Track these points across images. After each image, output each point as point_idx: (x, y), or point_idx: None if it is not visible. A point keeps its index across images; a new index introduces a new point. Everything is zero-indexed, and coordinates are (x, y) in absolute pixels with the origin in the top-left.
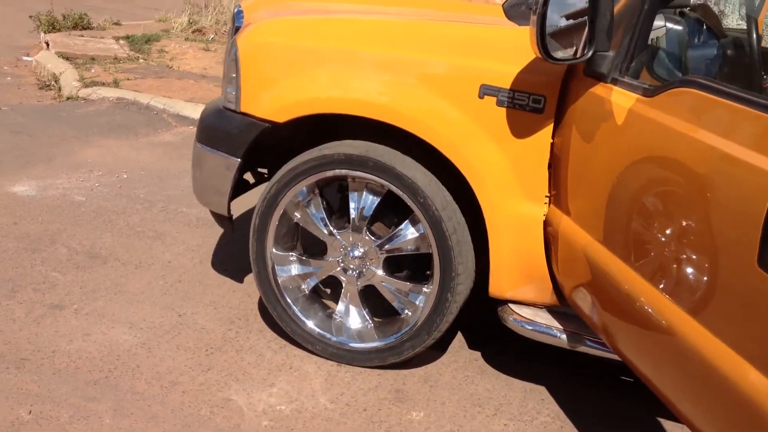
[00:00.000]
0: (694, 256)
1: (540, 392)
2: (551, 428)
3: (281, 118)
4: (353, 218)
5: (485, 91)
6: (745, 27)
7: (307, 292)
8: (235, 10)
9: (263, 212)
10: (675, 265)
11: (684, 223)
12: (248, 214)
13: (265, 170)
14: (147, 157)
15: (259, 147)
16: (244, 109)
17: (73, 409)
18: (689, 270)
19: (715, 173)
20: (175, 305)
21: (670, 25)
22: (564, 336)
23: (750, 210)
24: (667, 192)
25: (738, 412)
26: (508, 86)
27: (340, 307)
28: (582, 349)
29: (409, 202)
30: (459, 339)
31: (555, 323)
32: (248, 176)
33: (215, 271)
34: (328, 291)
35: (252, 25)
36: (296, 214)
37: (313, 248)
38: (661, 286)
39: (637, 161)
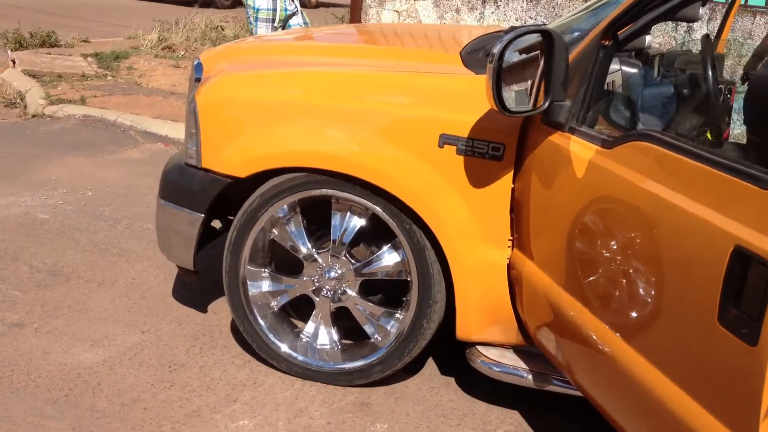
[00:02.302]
0: (652, 307)
1: (504, 404)
2: None
3: (243, 173)
4: (334, 239)
5: (445, 140)
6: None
7: (276, 309)
8: (195, 63)
9: (241, 226)
10: (634, 313)
11: (642, 275)
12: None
13: (232, 217)
14: (113, 174)
15: (224, 198)
16: (205, 165)
17: (31, 428)
18: (647, 318)
19: (674, 229)
20: (138, 322)
21: (625, 68)
22: (530, 376)
23: (709, 267)
24: (626, 242)
25: None
26: (467, 135)
27: (309, 327)
28: (549, 388)
29: (395, 228)
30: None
31: (521, 363)
32: (216, 222)
33: (179, 288)
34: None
35: (211, 79)
36: (274, 230)
37: (283, 265)
38: (618, 328)
39: (595, 211)
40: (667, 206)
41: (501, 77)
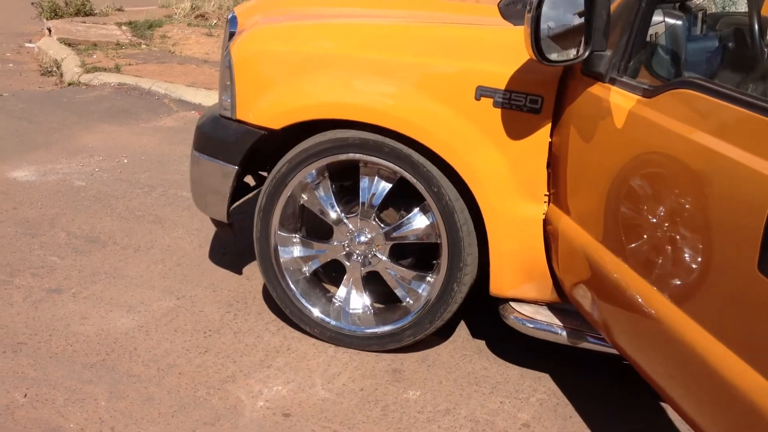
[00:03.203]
0: (692, 258)
1: (537, 371)
2: (547, 405)
3: (277, 125)
4: (363, 203)
5: (482, 92)
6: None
7: (308, 274)
8: (229, 16)
9: (271, 192)
10: (673, 266)
11: (683, 226)
12: (248, 201)
13: (265, 173)
14: (148, 142)
15: (258, 152)
16: (239, 116)
17: (69, 392)
18: (687, 271)
19: (715, 176)
20: (173, 288)
21: (668, 20)
22: (565, 333)
23: (750, 214)
24: (666, 194)
25: (736, 411)
26: (504, 87)
27: (341, 292)
28: (583, 345)
29: (423, 191)
30: (456, 319)
31: (555, 320)
32: (249, 179)
33: (214, 255)
34: (333, 274)
35: (246, 31)
36: (303, 195)
37: (314, 230)
38: (659, 285)
39: (636, 162)
40: (709, 154)
41: (540, 26)
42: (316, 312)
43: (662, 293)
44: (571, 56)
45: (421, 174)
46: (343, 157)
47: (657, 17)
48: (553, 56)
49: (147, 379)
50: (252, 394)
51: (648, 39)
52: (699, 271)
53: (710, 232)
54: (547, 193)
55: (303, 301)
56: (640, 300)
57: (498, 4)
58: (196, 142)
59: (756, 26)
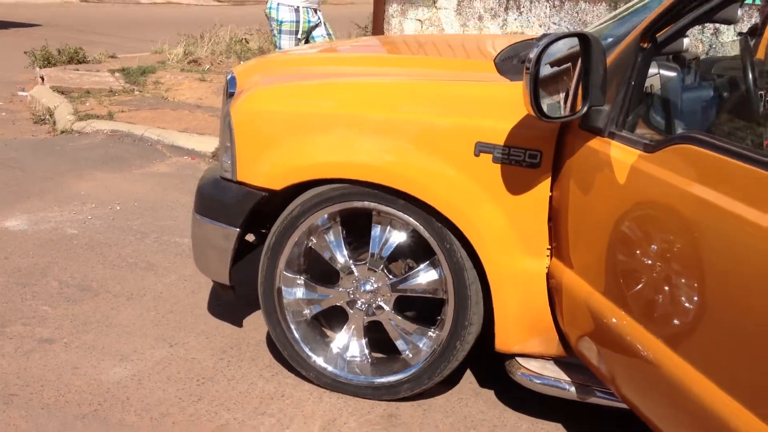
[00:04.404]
0: (699, 313)
1: (534, 418)
2: None
3: (278, 185)
4: (373, 253)
5: (481, 148)
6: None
7: (309, 318)
8: (228, 77)
9: (281, 232)
10: (679, 320)
11: (688, 281)
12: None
13: (266, 231)
14: (141, 188)
15: (259, 212)
16: (240, 178)
17: None
18: (694, 325)
19: (722, 232)
20: (166, 336)
21: (663, 71)
22: (573, 388)
23: (760, 270)
24: (670, 248)
25: None
26: (503, 142)
27: (341, 338)
28: (592, 400)
29: (435, 246)
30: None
31: (563, 375)
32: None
33: (208, 301)
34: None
35: (246, 92)
36: (312, 239)
37: (317, 274)
38: (663, 336)
39: (638, 216)
40: (714, 210)
41: (538, 83)
42: (314, 357)
43: (666, 344)
44: (569, 113)
45: (434, 229)
46: (357, 204)
47: (652, 70)
48: (551, 113)
49: (140, 429)
50: None
51: (645, 91)
52: (704, 324)
53: (716, 286)
54: (549, 247)
55: (302, 344)
56: (644, 352)
57: (494, 60)
58: (197, 204)
59: (750, 73)
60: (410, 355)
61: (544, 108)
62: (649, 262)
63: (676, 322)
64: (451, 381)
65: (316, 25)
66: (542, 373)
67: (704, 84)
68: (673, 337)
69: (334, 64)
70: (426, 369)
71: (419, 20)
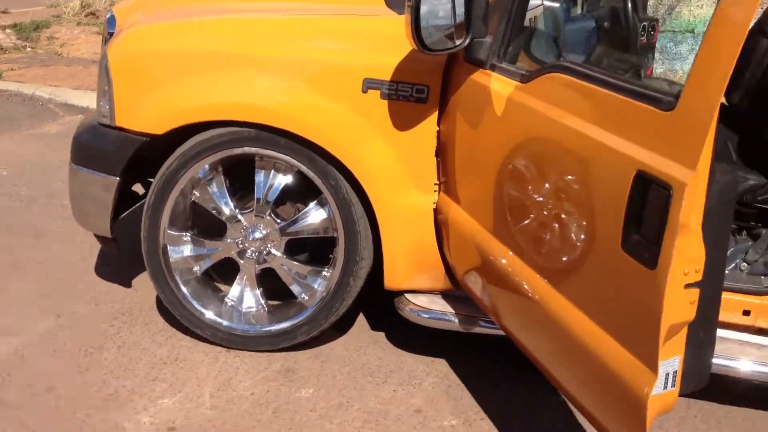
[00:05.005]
0: (568, 241)
1: (431, 357)
2: (439, 388)
3: (160, 129)
4: (258, 198)
5: (368, 85)
6: None
7: (199, 274)
8: (108, 15)
9: (160, 189)
10: (550, 249)
11: (560, 211)
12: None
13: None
14: (29, 150)
15: (143, 159)
16: (119, 123)
17: None
18: (564, 254)
19: (584, 159)
20: (53, 306)
21: (547, 2)
22: (458, 320)
23: (615, 195)
24: (543, 179)
25: (600, 380)
26: (390, 78)
27: (234, 290)
28: (476, 330)
29: (320, 184)
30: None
31: (449, 308)
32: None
33: (99, 267)
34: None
35: (123, 32)
36: (195, 192)
37: (206, 227)
38: (538, 268)
39: (515, 149)
40: (577, 136)
41: (420, 15)
42: (208, 313)
43: (541, 276)
44: (452, 44)
45: (318, 167)
46: (238, 150)
47: (536, 1)
48: (434, 45)
49: (21, 407)
50: (135, 411)
51: (528, 23)
52: (574, 254)
53: (583, 216)
54: (437, 183)
55: (194, 302)
56: (522, 283)
57: None
58: (74, 153)
59: (629, 5)
60: (306, 298)
61: (427, 40)
62: (526, 194)
63: (547, 252)
64: (348, 330)
65: None
66: (430, 307)
67: (588, 15)
68: (546, 267)
69: (221, 1)
70: (322, 309)
71: None
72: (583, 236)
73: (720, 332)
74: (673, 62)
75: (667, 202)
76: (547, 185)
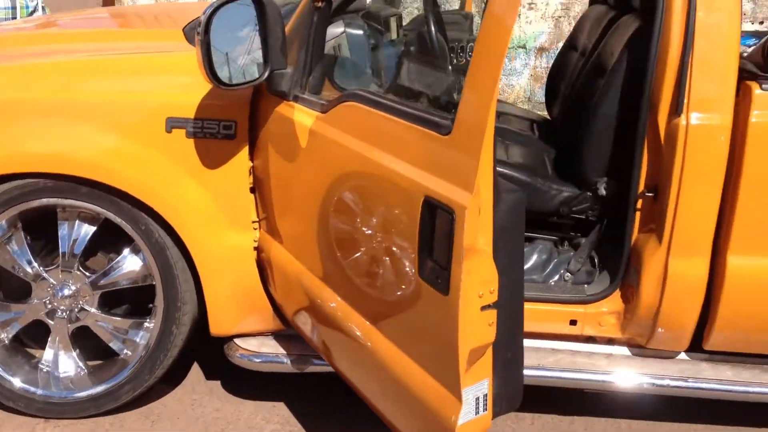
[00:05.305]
0: (377, 273)
1: (271, 402)
2: None
3: None
4: (64, 252)
5: (173, 124)
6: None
7: (6, 342)
8: None
9: None
10: (364, 284)
11: (368, 242)
12: None
13: None
14: None
15: None
16: None
17: None
18: (375, 287)
19: (382, 188)
20: None
21: (349, 30)
22: (289, 361)
23: (408, 222)
24: (351, 212)
25: (417, 413)
26: (194, 116)
27: (48, 354)
28: (310, 369)
29: (130, 231)
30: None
31: (281, 350)
32: None
33: None
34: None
35: None
36: None
37: (14, 288)
38: (354, 304)
39: (321, 182)
40: (373, 165)
41: (211, 49)
42: (17, 382)
43: (359, 312)
44: (251, 78)
45: (125, 213)
46: (35, 203)
47: (338, 29)
48: (231, 79)
49: None
50: None
51: (331, 51)
52: (384, 287)
53: (388, 247)
54: (256, 220)
55: (2, 372)
56: (345, 322)
57: (183, 29)
58: None
59: (432, 25)
60: (129, 353)
61: (223, 75)
62: (339, 230)
63: (358, 285)
64: (181, 382)
65: (34, 11)
66: (260, 351)
67: (395, 40)
68: (360, 301)
69: (20, 44)
70: (145, 363)
71: None
72: (390, 268)
73: (550, 344)
74: (509, 77)
75: (451, 227)
76: (357, 219)
